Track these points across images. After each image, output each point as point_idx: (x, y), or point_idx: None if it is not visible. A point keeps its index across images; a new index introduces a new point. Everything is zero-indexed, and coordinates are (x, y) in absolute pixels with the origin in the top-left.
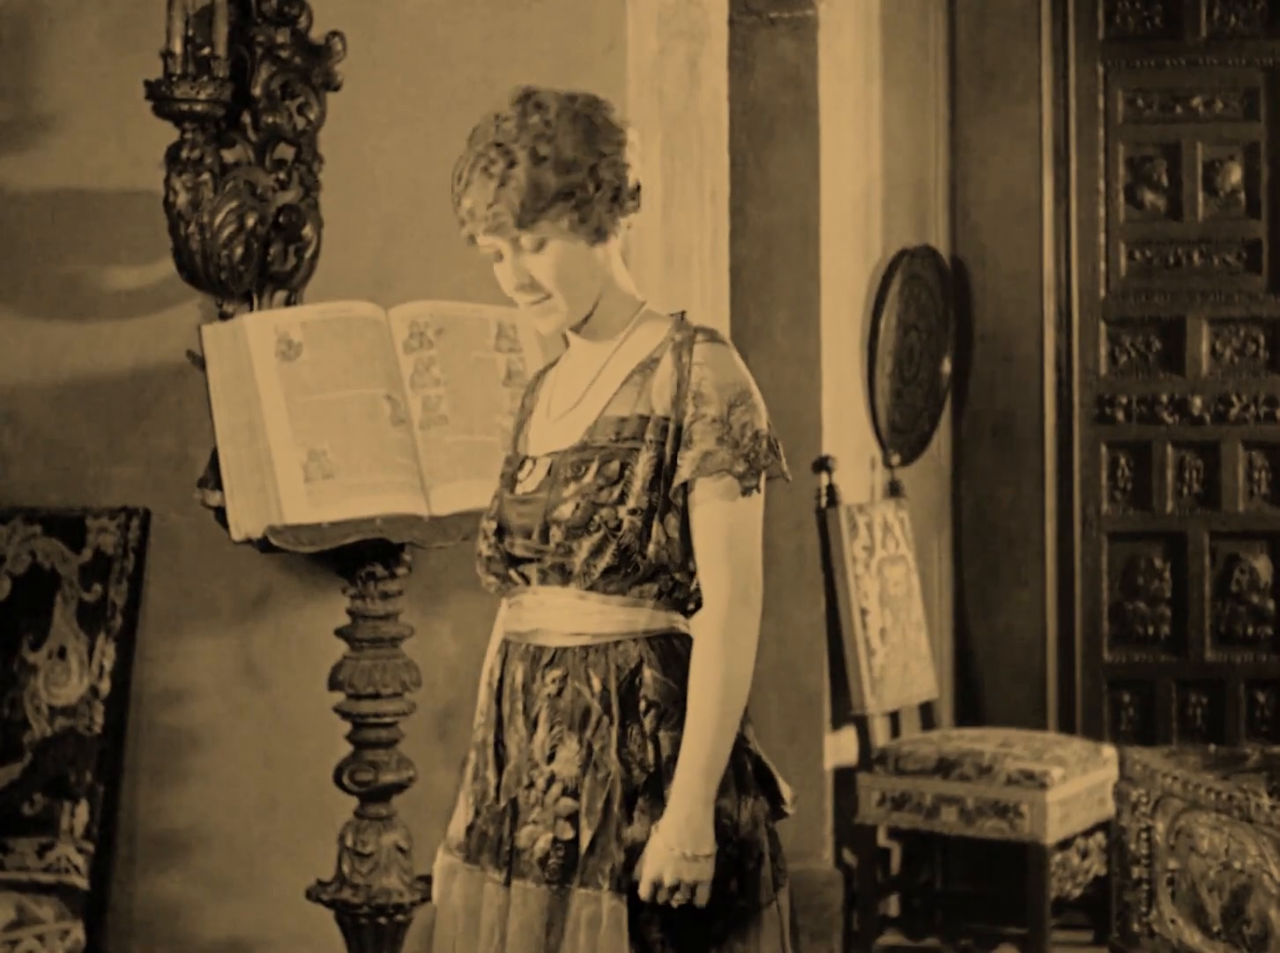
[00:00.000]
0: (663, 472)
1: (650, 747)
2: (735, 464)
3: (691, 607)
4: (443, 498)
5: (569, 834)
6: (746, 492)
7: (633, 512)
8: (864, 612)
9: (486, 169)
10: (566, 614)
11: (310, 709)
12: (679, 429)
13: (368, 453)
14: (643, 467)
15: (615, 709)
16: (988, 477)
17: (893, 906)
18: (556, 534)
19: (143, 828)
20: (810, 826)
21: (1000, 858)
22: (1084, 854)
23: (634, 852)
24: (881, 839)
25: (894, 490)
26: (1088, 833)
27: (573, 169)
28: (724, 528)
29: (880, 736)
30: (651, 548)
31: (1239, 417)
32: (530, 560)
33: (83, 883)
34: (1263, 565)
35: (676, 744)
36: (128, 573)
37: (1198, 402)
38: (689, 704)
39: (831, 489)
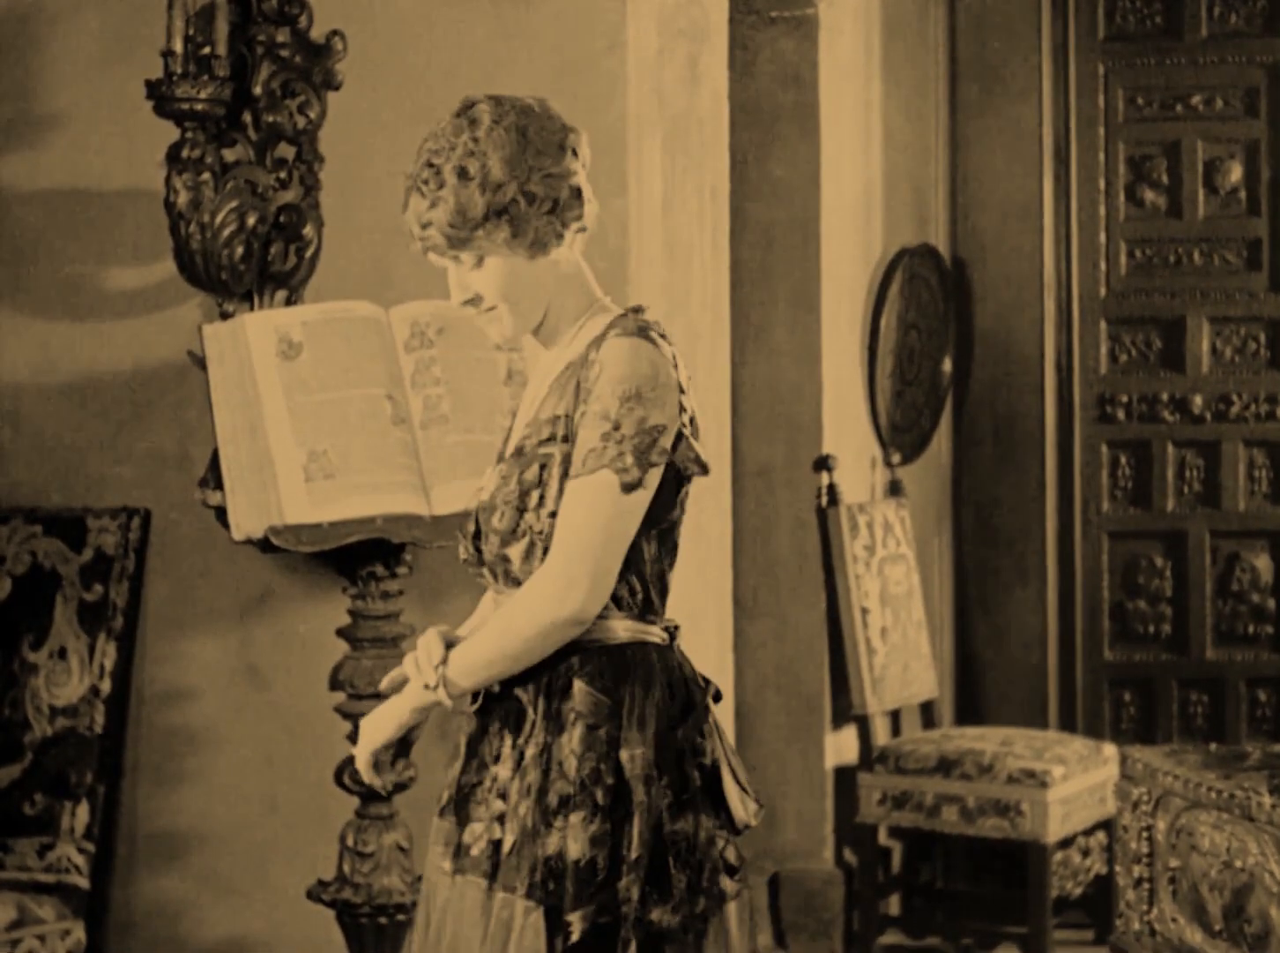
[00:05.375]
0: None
1: (573, 760)
2: (618, 460)
3: (622, 612)
4: (443, 497)
5: (497, 835)
6: (627, 488)
7: (552, 515)
8: (865, 611)
9: (420, 189)
10: None
11: (311, 709)
12: (572, 425)
13: (368, 453)
14: (557, 468)
15: (546, 717)
16: (988, 476)
17: (893, 905)
18: (494, 542)
19: (143, 828)
20: (811, 825)
21: (1001, 857)
22: (1085, 853)
23: (552, 866)
24: (882, 838)
25: (895, 490)
26: (1088, 832)
27: (500, 187)
28: (587, 523)
29: (881, 735)
30: None
31: (1239, 415)
32: (494, 563)
33: (83, 883)
34: (1263, 564)
35: (600, 758)
36: (128, 573)
37: (1198, 400)
38: (492, 625)
39: (832, 488)
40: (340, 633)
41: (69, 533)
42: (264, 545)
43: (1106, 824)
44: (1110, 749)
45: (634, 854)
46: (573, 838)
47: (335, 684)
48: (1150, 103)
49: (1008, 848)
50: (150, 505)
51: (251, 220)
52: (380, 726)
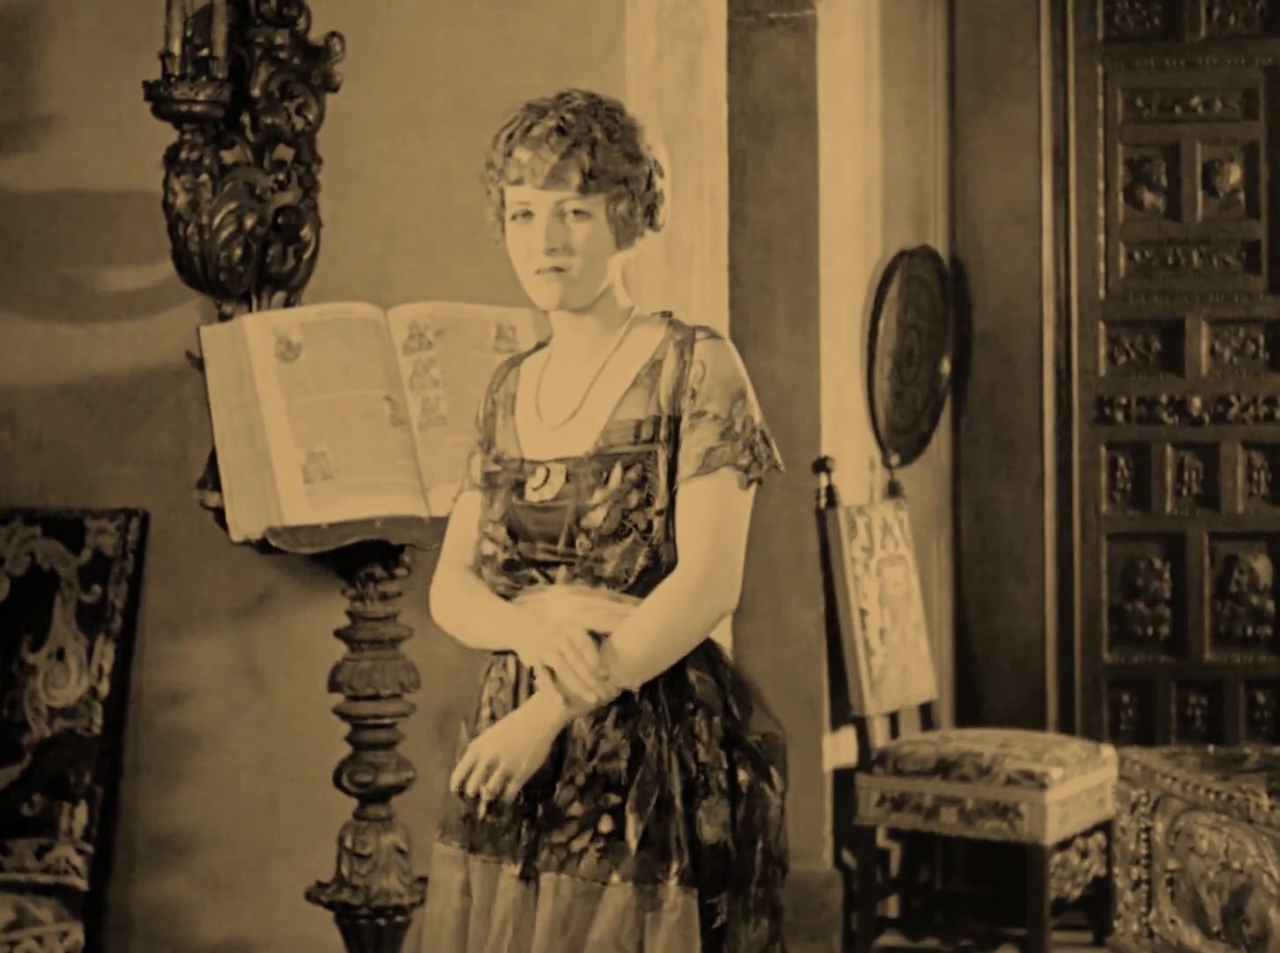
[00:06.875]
0: (672, 469)
1: (700, 747)
2: (739, 457)
3: None
4: (442, 499)
5: (606, 828)
6: (750, 483)
7: (660, 512)
8: (863, 612)
9: (562, 129)
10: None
11: (309, 710)
12: (677, 425)
13: (367, 454)
14: (662, 467)
15: (665, 709)
16: (987, 477)
17: (892, 906)
18: (584, 542)
19: (142, 829)
20: (809, 826)
21: (1000, 859)
22: (1083, 855)
23: (697, 851)
24: (881, 840)
25: (893, 491)
26: (1087, 833)
27: (636, 162)
28: (718, 519)
29: (879, 736)
30: (669, 547)
31: (1238, 417)
32: (557, 563)
33: (82, 884)
34: (1262, 566)
35: (720, 743)
36: (127, 574)
37: (1197, 402)
38: (629, 632)
39: (831, 490)
40: (339, 634)
41: (68, 534)
42: (263, 547)
43: (1105, 826)
44: (1109, 751)
45: (771, 835)
46: (708, 823)
47: (334, 686)
48: (1149, 104)
49: (1006, 850)
50: (149, 507)
51: (250, 222)
52: (533, 754)
